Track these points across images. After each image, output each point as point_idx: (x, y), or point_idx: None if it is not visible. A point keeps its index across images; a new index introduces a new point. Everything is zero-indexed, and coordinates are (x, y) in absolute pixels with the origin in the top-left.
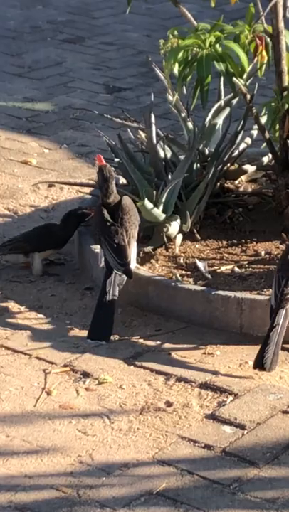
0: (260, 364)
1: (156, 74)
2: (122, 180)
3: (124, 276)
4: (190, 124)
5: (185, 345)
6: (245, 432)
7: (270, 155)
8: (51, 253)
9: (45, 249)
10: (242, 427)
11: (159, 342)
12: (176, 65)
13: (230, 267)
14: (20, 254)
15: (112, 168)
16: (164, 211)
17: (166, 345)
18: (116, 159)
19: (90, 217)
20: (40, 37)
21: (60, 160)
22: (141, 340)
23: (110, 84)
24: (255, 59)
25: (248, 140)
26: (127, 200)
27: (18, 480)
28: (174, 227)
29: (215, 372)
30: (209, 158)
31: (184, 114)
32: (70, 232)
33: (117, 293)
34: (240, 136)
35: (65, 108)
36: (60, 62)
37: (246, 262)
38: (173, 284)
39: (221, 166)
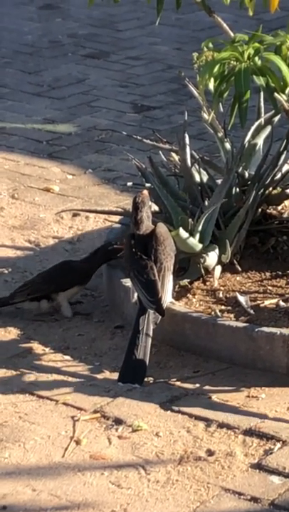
0: None
1: (189, 90)
2: (154, 207)
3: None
4: (228, 145)
5: (226, 388)
6: None
7: None
8: (76, 292)
9: (69, 287)
10: None
11: (197, 384)
12: (212, 80)
13: (274, 300)
14: (42, 300)
15: (147, 196)
16: (200, 241)
17: (206, 388)
18: (147, 184)
19: (122, 252)
20: (61, 52)
21: (84, 186)
22: (178, 383)
23: (138, 102)
24: None
25: None
26: (161, 229)
27: None
28: (212, 258)
29: (260, 417)
30: (249, 182)
31: (220, 134)
32: (95, 266)
33: (151, 331)
34: (283, 157)
35: (89, 129)
36: (83, 80)
37: None
38: (212, 320)
39: (262, 191)
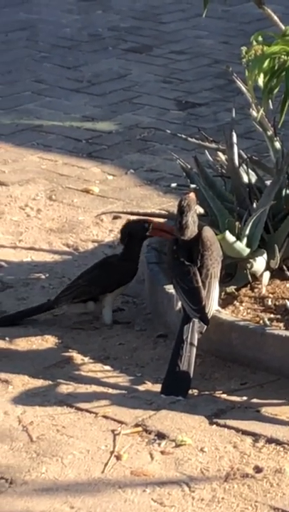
0: None
1: (236, 87)
2: (200, 210)
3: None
4: (277, 144)
5: (275, 401)
6: None
7: None
8: (122, 290)
9: (116, 287)
10: None
11: (245, 397)
12: (261, 75)
13: None
14: (89, 302)
15: (194, 199)
16: (248, 245)
17: (254, 401)
18: (192, 185)
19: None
20: (101, 46)
21: (126, 187)
22: (224, 396)
23: (182, 99)
24: None
25: None
26: (208, 233)
27: None
28: (260, 264)
29: None
30: None
31: (270, 133)
32: (136, 259)
33: (195, 341)
34: None
35: (131, 128)
36: (124, 75)
37: None
38: (260, 329)
39: None
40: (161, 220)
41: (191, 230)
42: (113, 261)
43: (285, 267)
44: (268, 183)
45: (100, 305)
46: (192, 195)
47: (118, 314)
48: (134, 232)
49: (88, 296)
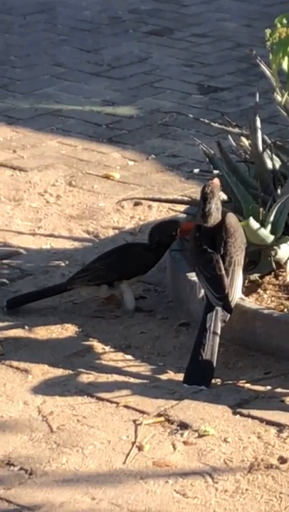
0: None
1: (260, 71)
2: (223, 196)
3: None
4: None
5: None
6: None
7: None
8: (137, 280)
9: (134, 275)
10: None
11: (269, 387)
12: (286, 59)
13: None
14: (103, 285)
15: (218, 185)
16: (272, 232)
17: (278, 391)
18: (215, 171)
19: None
20: (121, 29)
21: (147, 173)
22: (248, 385)
23: (205, 83)
24: None
25: None
26: (232, 219)
27: None
28: (284, 251)
29: None
30: None
31: None
32: (161, 251)
33: (219, 330)
34: None
35: (152, 112)
36: (145, 59)
37: None
38: (285, 318)
39: None
40: (183, 205)
41: (215, 217)
42: (135, 249)
43: None
44: None
45: (113, 290)
46: (216, 181)
47: (140, 302)
48: (162, 239)
49: (103, 280)
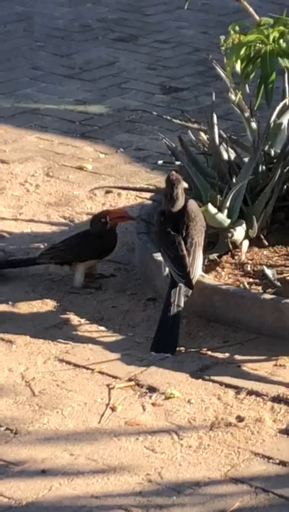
0: None
1: (216, 72)
2: (184, 185)
3: None
4: (254, 124)
5: (255, 357)
6: None
7: None
8: (95, 264)
9: (86, 259)
10: None
11: (227, 354)
12: (239, 62)
13: None
14: (64, 265)
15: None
16: (228, 216)
17: (236, 358)
18: (177, 162)
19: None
20: (91, 36)
21: (116, 165)
22: (208, 353)
23: (166, 84)
24: None
25: None
26: (192, 205)
27: (85, 500)
28: (239, 233)
29: (288, 385)
30: (275, 160)
31: (247, 114)
32: (105, 237)
33: (182, 303)
34: None
35: (120, 110)
36: (113, 63)
37: None
38: (240, 292)
39: (287, 168)
40: (149, 193)
41: (180, 202)
42: (88, 235)
43: (262, 236)
44: (246, 160)
45: (73, 270)
46: (175, 172)
47: (111, 280)
48: (96, 229)
49: (62, 260)
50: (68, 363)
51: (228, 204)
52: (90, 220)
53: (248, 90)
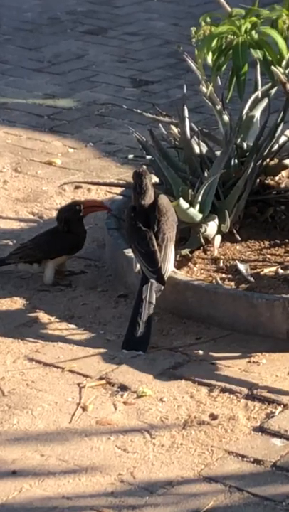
0: None
1: (186, 65)
2: (155, 179)
3: None
4: (226, 117)
5: (228, 354)
6: None
7: None
8: (66, 259)
9: (56, 256)
10: None
11: (200, 351)
12: (210, 54)
13: (273, 268)
14: (34, 264)
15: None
16: (200, 211)
17: (209, 354)
18: (148, 156)
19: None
20: (60, 29)
21: (86, 159)
22: (181, 350)
23: (136, 77)
24: None
25: None
26: (163, 200)
27: (56, 501)
28: (211, 228)
29: (262, 382)
30: (248, 153)
31: (219, 107)
32: (74, 230)
33: (154, 300)
34: (280, 128)
35: (89, 104)
36: (82, 56)
37: None
38: (213, 288)
39: (260, 161)
40: (119, 188)
41: (150, 194)
42: (58, 232)
43: (234, 231)
44: (218, 153)
45: (42, 268)
46: (144, 167)
47: (82, 277)
48: (69, 216)
49: (32, 258)
50: (38, 361)
51: (199, 198)
52: (58, 210)
53: (219, 83)
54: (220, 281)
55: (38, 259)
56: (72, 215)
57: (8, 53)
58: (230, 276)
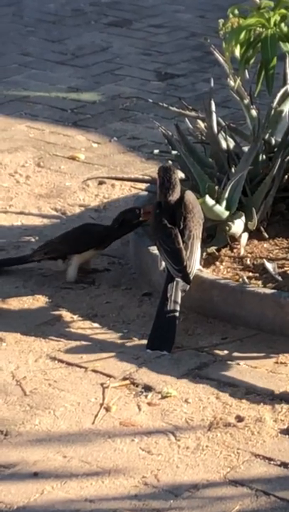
0: None
1: (213, 58)
2: (181, 175)
3: None
4: (254, 112)
5: (255, 354)
6: None
7: None
8: (92, 256)
9: (83, 249)
10: None
11: (226, 351)
12: (238, 46)
13: None
14: (58, 260)
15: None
16: (227, 208)
17: (235, 355)
18: (173, 152)
19: (146, 217)
20: (84, 21)
21: (110, 154)
22: (206, 350)
23: (162, 70)
24: None
25: None
26: (190, 196)
27: (78, 504)
28: (238, 226)
29: None
30: (276, 149)
31: (246, 101)
32: (114, 232)
33: (179, 299)
34: None
35: (114, 98)
36: (106, 48)
37: None
38: (240, 287)
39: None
40: (144, 184)
41: (177, 190)
42: (91, 227)
43: (262, 228)
44: (245, 149)
45: (67, 264)
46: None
47: (105, 274)
48: (128, 219)
49: (58, 253)
50: (61, 361)
51: (226, 195)
52: (120, 212)
53: (247, 76)
54: (247, 280)
55: (65, 254)
56: (131, 217)
57: (30, 45)
58: (257, 275)
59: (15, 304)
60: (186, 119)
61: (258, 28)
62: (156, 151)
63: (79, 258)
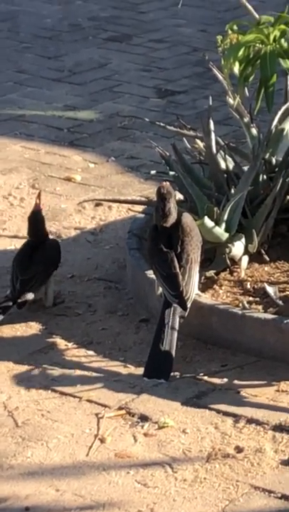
0: None
1: (214, 74)
2: (179, 196)
3: None
4: (254, 130)
5: (255, 382)
6: None
7: None
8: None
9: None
10: None
11: (225, 379)
12: (237, 63)
13: None
14: (42, 286)
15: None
16: (226, 230)
17: (234, 383)
18: (171, 172)
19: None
20: (81, 36)
21: (107, 175)
22: (205, 378)
23: (162, 87)
24: None
25: None
26: (187, 219)
27: None
28: (238, 248)
29: None
30: (277, 169)
31: (246, 119)
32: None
33: (177, 325)
34: None
35: (112, 116)
36: (105, 64)
37: None
38: (240, 312)
39: None
40: (142, 206)
41: (172, 217)
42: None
43: (262, 251)
44: (245, 168)
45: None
46: (167, 183)
47: (101, 299)
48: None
49: (49, 277)
50: (54, 390)
51: (226, 217)
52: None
53: (247, 94)
54: (247, 305)
55: (49, 275)
56: None
57: (26, 62)
58: (257, 299)
59: (7, 331)
60: (184, 139)
61: (257, 45)
62: (153, 172)
63: (52, 279)
